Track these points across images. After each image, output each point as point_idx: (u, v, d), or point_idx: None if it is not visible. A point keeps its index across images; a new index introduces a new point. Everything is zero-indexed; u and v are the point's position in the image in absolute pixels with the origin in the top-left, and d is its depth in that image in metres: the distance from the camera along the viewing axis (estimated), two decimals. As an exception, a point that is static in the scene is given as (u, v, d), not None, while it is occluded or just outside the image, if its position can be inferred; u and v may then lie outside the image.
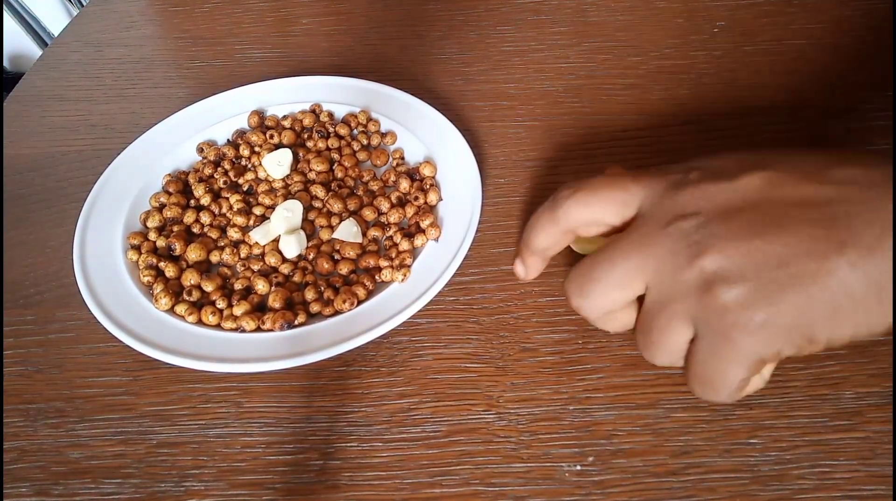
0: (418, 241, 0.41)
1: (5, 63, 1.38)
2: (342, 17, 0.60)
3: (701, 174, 0.28)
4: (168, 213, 0.43)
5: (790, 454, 0.31)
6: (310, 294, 0.39)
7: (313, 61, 0.55)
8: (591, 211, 0.30)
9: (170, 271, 0.40)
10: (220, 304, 0.38)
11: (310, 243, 0.42)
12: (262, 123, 0.49)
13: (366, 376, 0.36)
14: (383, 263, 0.40)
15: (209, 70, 0.56)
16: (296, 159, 0.46)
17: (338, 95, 0.50)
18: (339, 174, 0.45)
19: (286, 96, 0.50)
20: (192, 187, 0.45)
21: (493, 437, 0.33)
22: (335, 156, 0.46)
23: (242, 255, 0.41)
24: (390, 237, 0.41)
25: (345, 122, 0.48)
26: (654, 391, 0.34)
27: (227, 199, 0.44)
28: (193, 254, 0.41)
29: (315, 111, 0.49)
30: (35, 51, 1.17)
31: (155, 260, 0.41)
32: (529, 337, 0.37)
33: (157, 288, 0.39)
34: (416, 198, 0.42)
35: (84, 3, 0.88)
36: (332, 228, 0.42)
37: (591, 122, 0.48)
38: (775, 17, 0.54)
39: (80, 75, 0.57)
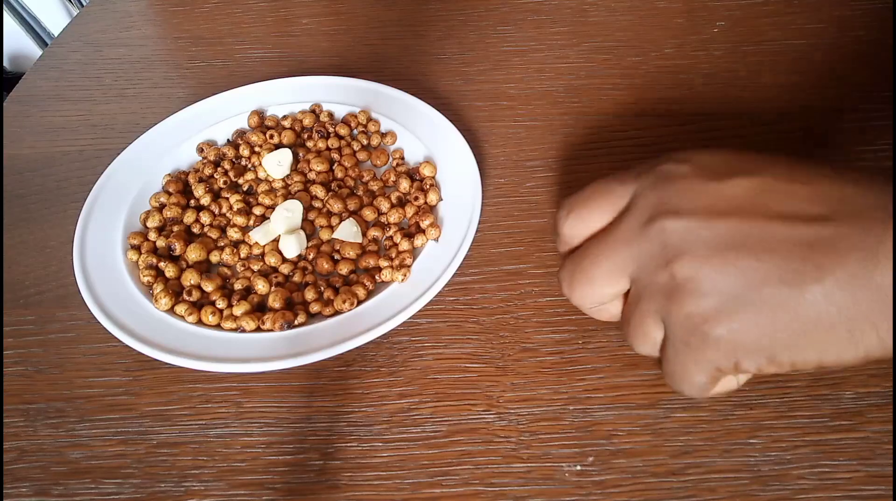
0: (418, 241, 0.41)
1: (5, 63, 1.38)
2: (342, 17, 0.60)
3: (691, 169, 0.27)
4: (168, 213, 0.43)
5: (790, 454, 0.31)
6: (310, 294, 0.39)
7: (313, 61, 0.56)
8: (589, 224, 0.30)
9: (170, 271, 0.40)
10: (220, 304, 0.38)
11: (310, 243, 0.42)
12: (262, 123, 0.49)
13: (366, 376, 0.36)
14: (383, 263, 0.40)
15: (209, 70, 0.56)
16: (296, 159, 0.46)
17: (338, 95, 0.50)
18: (339, 174, 0.45)
19: (286, 96, 0.50)
20: (192, 187, 0.45)
21: (493, 437, 0.33)
22: (335, 156, 0.46)
23: (242, 255, 0.41)
24: (390, 237, 0.41)
25: (345, 122, 0.48)
26: (654, 391, 0.34)
27: (227, 199, 0.44)
28: (193, 254, 0.41)
29: (315, 111, 0.49)
30: (35, 51, 1.17)
31: (155, 260, 0.41)
32: (529, 337, 0.37)
33: (157, 288, 0.39)
34: (416, 198, 0.42)
35: (84, 3, 0.88)
36: (332, 228, 0.42)
37: (591, 122, 0.48)
38: (775, 17, 0.54)
39: (80, 75, 0.57)
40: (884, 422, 0.32)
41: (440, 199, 0.43)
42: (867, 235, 0.23)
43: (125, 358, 0.38)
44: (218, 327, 0.38)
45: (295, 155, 0.47)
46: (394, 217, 0.42)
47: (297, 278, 0.40)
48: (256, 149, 0.47)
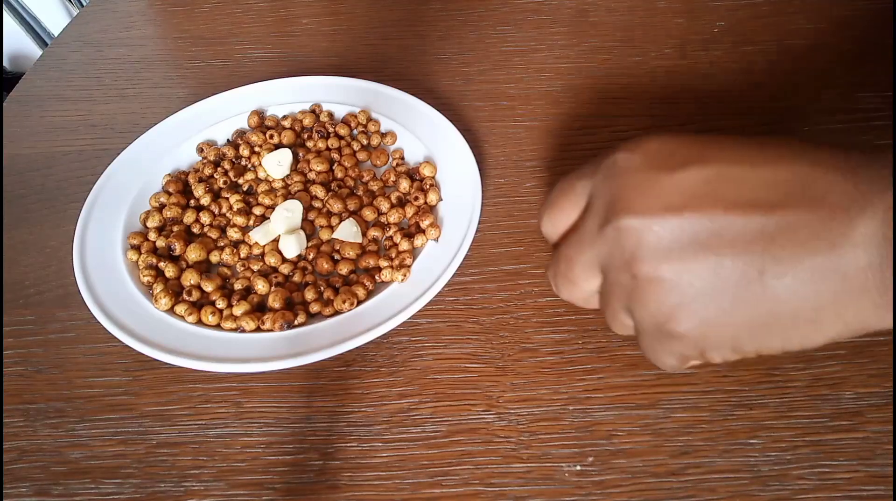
0: (418, 241, 0.41)
1: (5, 63, 1.38)
2: (342, 17, 0.60)
3: (642, 160, 0.26)
4: (168, 213, 0.43)
5: (790, 454, 0.31)
6: (310, 294, 0.39)
7: (313, 61, 0.56)
8: (558, 224, 0.30)
9: (170, 271, 0.40)
10: (220, 304, 0.38)
11: (310, 243, 0.42)
12: (262, 123, 0.49)
13: (366, 376, 0.36)
14: (383, 263, 0.40)
15: (209, 70, 0.56)
16: (296, 159, 0.46)
17: (338, 95, 0.50)
18: (339, 174, 0.45)
19: (286, 96, 0.50)
20: (192, 187, 0.45)
21: (493, 437, 0.33)
22: (335, 156, 0.46)
23: (242, 255, 0.41)
24: (390, 237, 0.41)
25: (345, 122, 0.48)
26: (654, 391, 0.34)
27: (227, 199, 0.44)
28: (193, 254, 0.41)
29: (315, 111, 0.49)
30: (35, 51, 1.17)
31: (155, 260, 0.41)
32: (529, 337, 0.37)
33: (157, 288, 0.39)
34: (416, 198, 0.42)
35: (84, 3, 0.88)
36: (332, 228, 0.42)
37: (591, 122, 0.48)
38: (775, 17, 0.54)
39: (80, 75, 0.57)
40: (884, 422, 0.32)
41: (440, 199, 0.43)
42: (829, 222, 0.22)
43: (125, 358, 0.38)
44: (218, 327, 0.38)
45: (295, 155, 0.47)
46: (394, 217, 0.42)
47: (297, 278, 0.40)
48: (256, 149, 0.47)
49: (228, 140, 0.49)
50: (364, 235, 0.41)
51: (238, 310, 0.38)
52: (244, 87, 0.51)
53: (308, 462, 0.33)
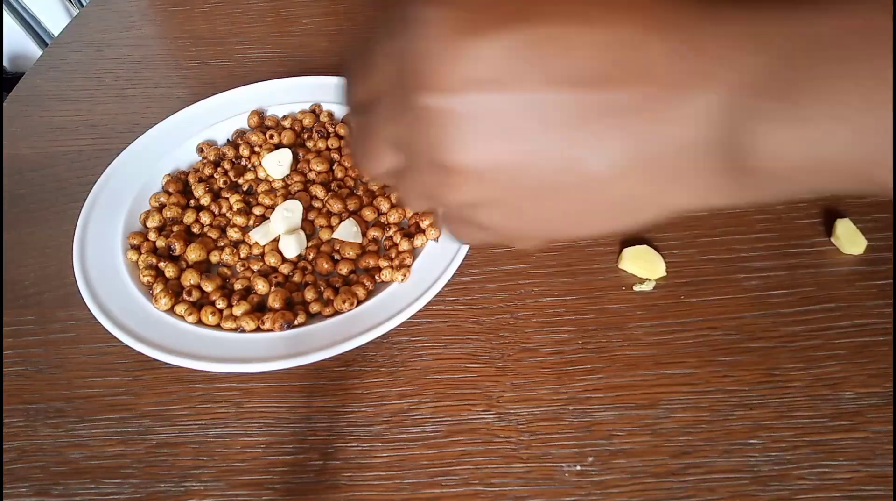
0: (418, 241, 0.41)
1: (5, 63, 1.38)
2: (342, 17, 0.60)
3: (446, 17, 0.20)
4: (168, 213, 0.43)
5: (790, 454, 0.31)
6: (310, 294, 0.39)
7: (313, 61, 0.55)
8: (358, 92, 0.26)
9: (170, 271, 0.40)
10: (220, 304, 0.38)
11: (310, 243, 0.42)
12: (262, 123, 0.49)
13: (366, 376, 0.36)
14: (383, 263, 0.40)
15: (209, 70, 0.56)
16: (296, 159, 0.46)
17: (338, 95, 0.50)
18: (339, 174, 0.45)
19: (286, 96, 0.50)
20: (192, 187, 0.45)
21: (493, 437, 0.33)
22: (335, 156, 0.46)
23: (242, 255, 0.41)
24: (390, 237, 0.41)
25: (345, 122, 0.48)
26: (654, 392, 0.34)
27: (227, 199, 0.44)
28: (193, 254, 0.41)
29: (315, 111, 0.49)
30: (35, 51, 1.17)
31: (155, 260, 0.41)
32: (529, 337, 0.37)
33: (157, 288, 0.39)
34: (416, 198, 0.42)
35: (84, 3, 0.88)
36: (331, 228, 0.42)
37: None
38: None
39: (80, 75, 0.57)
40: (884, 422, 0.32)
41: (440, 199, 0.43)
42: (658, 100, 0.19)
43: (125, 358, 0.38)
44: (218, 327, 0.38)
45: (295, 155, 0.47)
46: (394, 217, 0.42)
47: (296, 278, 0.40)
48: (256, 149, 0.47)
49: (228, 140, 0.49)
50: (364, 235, 0.41)
51: (238, 310, 0.38)
52: (244, 87, 0.51)
53: (308, 462, 0.33)
